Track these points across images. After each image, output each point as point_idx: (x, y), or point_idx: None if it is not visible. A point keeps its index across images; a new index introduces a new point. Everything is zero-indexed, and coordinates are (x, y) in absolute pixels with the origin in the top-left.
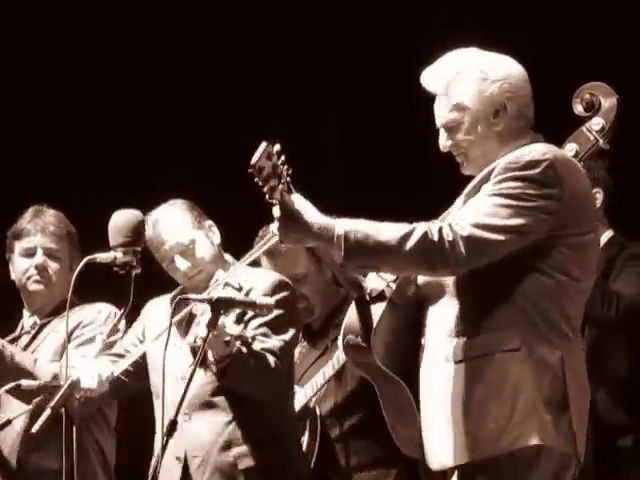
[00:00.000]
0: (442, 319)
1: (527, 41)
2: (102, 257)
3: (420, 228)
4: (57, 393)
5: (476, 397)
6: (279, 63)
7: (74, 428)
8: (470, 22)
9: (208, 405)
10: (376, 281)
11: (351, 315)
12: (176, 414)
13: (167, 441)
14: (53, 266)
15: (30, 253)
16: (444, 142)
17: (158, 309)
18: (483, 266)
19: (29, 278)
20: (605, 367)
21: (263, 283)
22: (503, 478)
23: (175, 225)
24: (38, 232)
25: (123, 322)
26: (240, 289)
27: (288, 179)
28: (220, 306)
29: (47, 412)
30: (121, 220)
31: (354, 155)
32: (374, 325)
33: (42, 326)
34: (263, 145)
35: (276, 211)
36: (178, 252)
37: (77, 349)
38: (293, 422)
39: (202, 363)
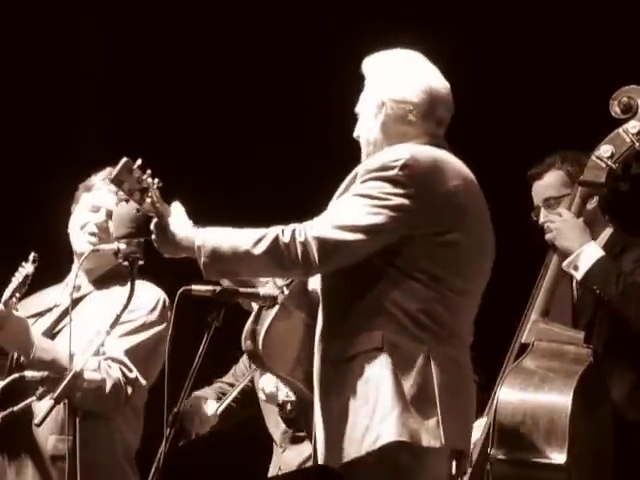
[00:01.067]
0: (319, 323)
1: (570, 41)
2: (105, 248)
3: (273, 231)
4: (60, 384)
5: (344, 399)
6: None
7: (77, 419)
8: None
9: (297, 438)
10: (272, 287)
11: (248, 322)
12: (179, 406)
13: (170, 433)
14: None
15: (95, 210)
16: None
17: None
18: (346, 269)
19: (85, 234)
20: (620, 364)
21: None
22: (368, 478)
23: None
24: (110, 193)
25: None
26: None
27: (155, 191)
28: (224, 298)
29: (50, 403)
30: (124, 211)
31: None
32: (262, 330)
33: (81, 298)
34: (123, 160)
35: (152, 224)
36: None
37: (120, 339)
38: None
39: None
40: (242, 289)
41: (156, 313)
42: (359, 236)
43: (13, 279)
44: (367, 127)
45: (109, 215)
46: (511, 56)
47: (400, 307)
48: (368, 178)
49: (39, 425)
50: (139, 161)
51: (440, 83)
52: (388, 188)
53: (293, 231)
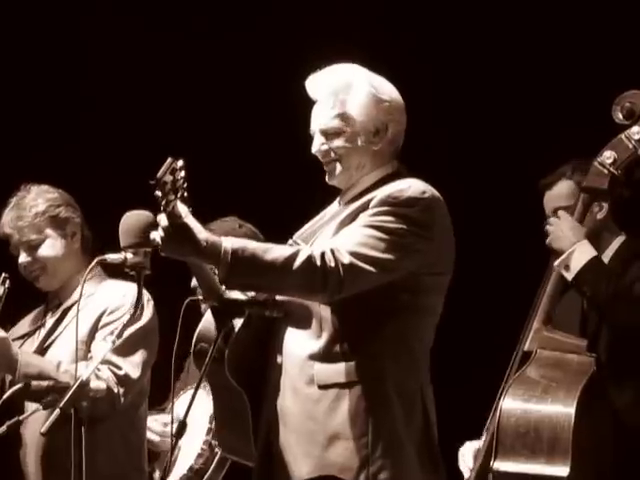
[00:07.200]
0: (305, 341)
1: (573, 44)
2: (112, 258)
3: (305, 251)
4: (66, 393)
5: (341, 423)
6: None
7: (83, 429)
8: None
9: None
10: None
11: (207, 324)
12: (185, 416)
13: (176, 442)
14: (40, 255)
15: (17, 253)
16: (318, 146)
17: None
18: (357, 296)
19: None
20: (624, 372)
21: None
22: None
23: None
24: (14, 229)
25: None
26: None
27: (185, 193)
28: (233, 308)
29: (56, 412)
30: (132, 221)
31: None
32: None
33: (66, 310)
34: (169, 160)
35: (163, 220)
36: None
37: (105, 339)
38: None
39: None
40: (248, 299)
41: (137, 307)
42: (378, 270)
43: None
44: (357, 145)
45: (27, 249)
46: (513, 63)
47: (402, 340)
48: (388, 211)
49: (45, 434)
50: (181, 161)
51: None
52: (408, 226)
53: (323, 254)
